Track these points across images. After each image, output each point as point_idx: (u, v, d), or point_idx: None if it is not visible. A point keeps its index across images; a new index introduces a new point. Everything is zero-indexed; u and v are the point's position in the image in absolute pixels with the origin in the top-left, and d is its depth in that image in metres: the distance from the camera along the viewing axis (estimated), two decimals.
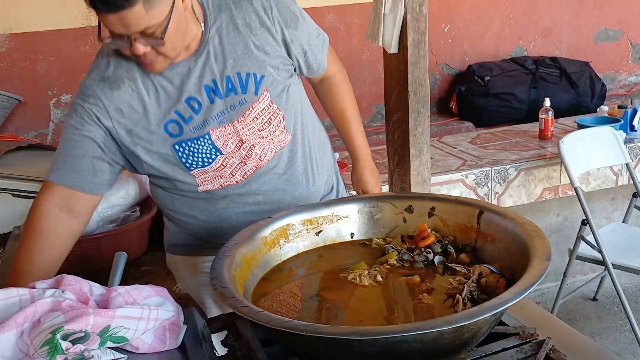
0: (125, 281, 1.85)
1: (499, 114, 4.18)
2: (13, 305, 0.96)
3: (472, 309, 1.07)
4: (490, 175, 2.96)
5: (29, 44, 3.58)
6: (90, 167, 1.51)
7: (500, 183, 2.98)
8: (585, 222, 2.79)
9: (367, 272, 1.34)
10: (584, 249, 2.84)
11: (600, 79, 4.46)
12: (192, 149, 1.53)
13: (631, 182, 3.05)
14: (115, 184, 2.24)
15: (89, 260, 1.99)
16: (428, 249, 1.41)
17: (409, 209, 1.53)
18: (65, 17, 3.59)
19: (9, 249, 2.32)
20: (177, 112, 1.50)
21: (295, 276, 1.38)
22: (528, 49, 4.78)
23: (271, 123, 1.58)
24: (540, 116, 3.35)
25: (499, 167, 2.97)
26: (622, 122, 3.29)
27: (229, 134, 1.54)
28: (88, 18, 3.63)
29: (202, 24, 1.50)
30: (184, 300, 1.23)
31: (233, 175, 1.58)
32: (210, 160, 1.55)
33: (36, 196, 1.54)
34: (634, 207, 3.09)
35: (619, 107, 3.44)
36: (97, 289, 1.08)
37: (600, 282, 3.29)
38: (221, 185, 1.59)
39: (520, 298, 1.04)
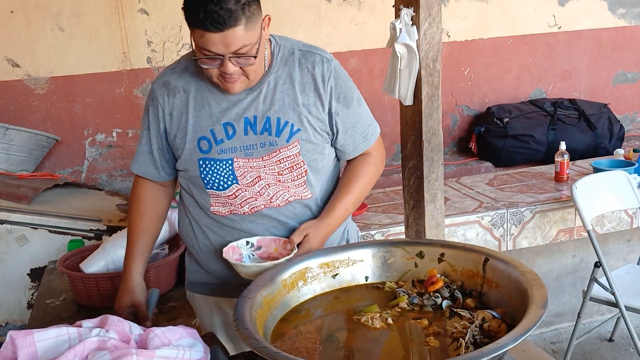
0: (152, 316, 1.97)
1: (517, 155, 4.26)
2: (63, 343, 1.08)
3: (470, 353, 1.17)
4: (505, 217, 3.04)
5: (68, 86, 3.78)
6: (157, 162, 1.77)
7: (515, 225, 3.06)
8: (598, 264, 2.84)
9: (379, 314, 1.44)
10: (597, 290, 2.88)
11: (619, 121, 4.52)
12: (213, 168, 1.68)
13: None
14: None
15: None
16: (437, 294, 1.50)
17: (420, 255, 1.63)
18: (102, 61, 3.80)
19: (44, 283, 2.45)
20: (212, 131, 1.66)
21: (312, 317, 1.48)
22: (547, 91, 4.88)
23: (292, 172, 1.70)
24: (556, 159, 3.43)
25: (514, 210, 3.05)
26: (637, 165, 3.34)
27: (251, 167, 1.67)
28: (123, 62, 3.84)
29: (266, 67, 1.66)
30: (209, 339, 1.34)
31: (242, 206, 1.71)
32: (226, 186, 1.69)
33: (132, 190, 1.88)
34: None
35: (634, 150, 3.51)
36: (136, 329, 1.20)
37: (616, 323, 3.31)
38: (230, 212, 1.73)
39: (516, 344, 1.13)
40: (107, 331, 1.13)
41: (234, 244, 1.70)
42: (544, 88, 4.87)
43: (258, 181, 1.69)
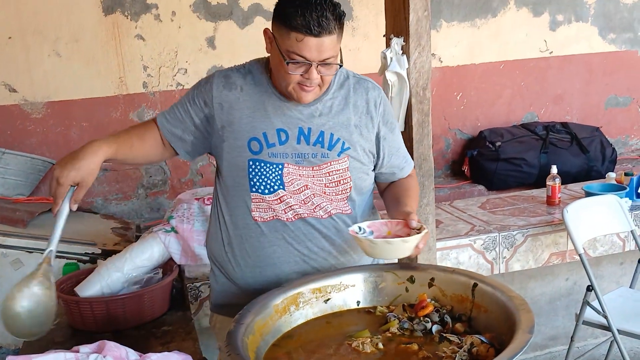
0: (147, 340, 1.98)
1: (510, 178, 4.30)
2: None
3: None
4: (498, 240, 3.06)
5: (64, 111, 3.83)
6: (180, 134, 1.77)
7: (507, 248, 3.08)
8: (590, 287, 2.86)
9: (369, 339, 1.46)
10: (590, 314, 2.89)
11: (611, 144, 4.57)
12: (262, 171, 1.71)
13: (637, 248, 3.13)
14: (140, 247, 2.40)
15: (115, 320, 2.10)
16: (427, 318, 1.53)
17: (411, 279, 1.66)
18: (99, 86, 3.85)
19: None
20: (265, 134, 1.71)
21: (304, 343, 1.49)
22: (539, 114, 4.94)
23: (338, 186, 1.75)
24: (547, 183, 3.46)
25: (506, 233, 3.07)
26: (629, 189, 3.38)
27: (300, 175, 1.72)
28: (120, 87, 3.88)
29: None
30: None
31: (285, 212, 1.74)
32: (272, 190, 1.72)
33: (149, 120, 1.83)
34: None
35: (626, 174, 3.54)
36: (132, 354, 1.22)
37: (610, 347, 3.32)
38: (272, 217, 1.74)
39: None
40: (104, 357, 1.15)
41: (350, 229, 1.68)
42: (536, 112, 4.93)
43: (304, 190, 1.73)
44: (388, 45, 2.07)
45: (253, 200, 1.73)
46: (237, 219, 1.78)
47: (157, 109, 4.02)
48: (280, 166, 1.71)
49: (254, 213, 1.74)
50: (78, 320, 2.15)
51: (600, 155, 4.45)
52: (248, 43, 4.12)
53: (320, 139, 1.72)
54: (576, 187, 3.76)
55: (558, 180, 3.45)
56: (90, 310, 2.12)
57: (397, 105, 2.05)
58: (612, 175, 3.62)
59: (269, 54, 1.70)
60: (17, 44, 3.71)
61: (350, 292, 1.65)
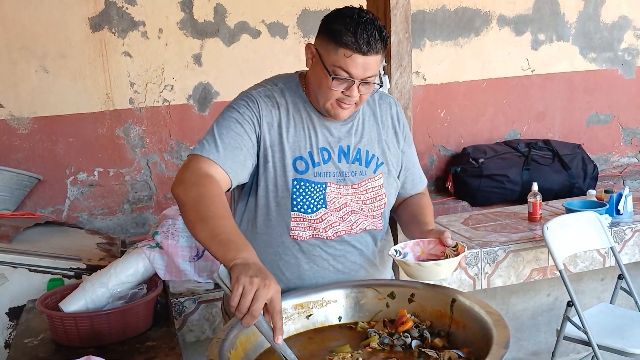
0: (131, 355, 1.99)
1: (492, 195, 4.36)
2: None
3: None
4: (480, 256, 3.11)
5: (51, 126, 3.85)
6: (243, 160, 1.65)
7: (489, 264, 3.13)
8: (570, 303, 2.90)
9: (350, 354, 1.48)
10: (570, 329, 2.93)
11: (593, 161, 4.64)
12: (307, 190, 1.71)
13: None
14: (125, 262, 2.41)
15: (99, 335, 2.10)
16: (406, 334, 1.55)
17: (392, 295, 1.68)
18: (85, 102, 3.88)
19: (23, 322, 2.44)
20: (310, 153, 1.73)
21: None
22: (522, 131, 5.01)
23: (374, 202, 1.79)
24: (529, 200, 3.51)
25: (488, 249, 3.12)
26: (608, 206, 3.44)
27: (340, 194, 1.75)
28: (106, 103, 3.91)
29: None
30: None
31: (326, 231, 1.75)
32: (315, 209, 1.72)
33: (195, 165, 1.59)
34: (620, 289, 3.21)
35: (606, 191, 3.60)
36: None
37: None
38: (312, 235, 1.74)
39: None
40: None
41: (390, 253, 1.68)
42: (518, 129, 5.00)
43: (344, 207, 1.76)
44: None
45: (293, 219, 1.72)
46: (271, 238, 1.75)
47: (144, 124, 4.05)
48: (324, 185, 1.73)
49: (292, 232, 1.73)
50: (62, 336, 2.15)
51: (581, 172, 4.51)
52: (234, 60, 4.17)
53: (358, 156, 1.77)
54: (557, 203, 3.82)
55: (539, 197, 3.50)
56: (74, 325, 2.12)
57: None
58: (592, 192, 3.68)
59: (309, 69, 1.72)
60: (4, 60, 3.72)
61: (332, 307, 1.67)
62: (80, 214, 3.98)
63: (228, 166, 1.62)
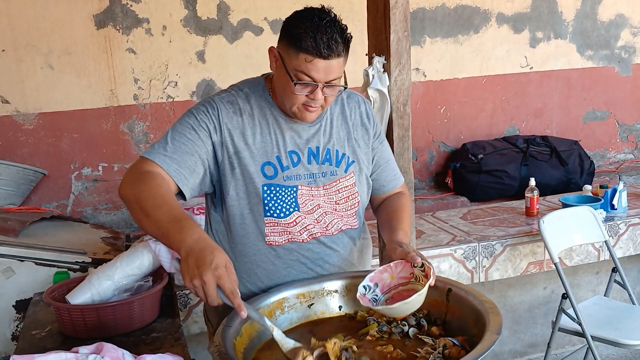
0: (136, 346, 2.04)
1: (491, 190, 4.41)
2: None
3: None
4: (477, 250, 3.17)
5: (55, 122, 3.90)
6: (192, 166, 1.65)
7: (487, 257, 3.19)
8: (565, 295, 2.96)
9: (342, 342, 1.51)
10: (566, 321, 2.99)
11: (589, 157, 4.69)
12: (278, 194, 1.71)
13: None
14: (131, 255, 2.46)
15: (105, 326, 2.14)
16: (404, 322, 1.61)
17: None
18: (90, 98, 3.93)
19: (30, 314, 2.49)
20: (278, 157, 1.72)
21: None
22: (520, 128, 5.06)
23: (347, 202, 1.81)
24: (526, 195, 3.57)
25: (485, 243, 3.18)
26: (603, 201, 3.50)
27: (312, 195, 1.75)
28: (111, 99, 3.96)
29: None
30: None
31: (301, 234, 1.75)
32: (287, 213, 1.72)
33: (139, 166, 1.61)
34: (614, 282, 3.27)
35: (601, 186, 3.66)
36: (129, 356, 1.30)
37: (586, 353, 3.42)
38: (288, 240, 1.74)
39: None
40: (102, 357, 1.22)
41: (357, 295, 1.62)
42: (517, 125, 5.06)
43: (317, 209, 1.76)
44: (370, 63, 2.17)
45: (267, 225, 1.72)
46: (246, 247, 1.75)
47: (148, 120, 4.10)
48: (294, 189, 1.72)
49: (268, 237, 1.73)
50: (69, 327, 2.20)
51: (578, 167, 4.56)
52: (237, 57, 4.23)
53: (328, 157, 1.77)
54: (554, 198, 3.88)
55: (536, 192, 3.56)
56: (81, 317, 2.16)
57: (379, 121, 2.15)
58: (588, 187, 3.74)
59: (273, 72, 1.70)
60: (10, 57, 3.78)
61: (332, 297, 1.73)
62: (85, 208, 4.04)
63: (173, 169, 1.62)
